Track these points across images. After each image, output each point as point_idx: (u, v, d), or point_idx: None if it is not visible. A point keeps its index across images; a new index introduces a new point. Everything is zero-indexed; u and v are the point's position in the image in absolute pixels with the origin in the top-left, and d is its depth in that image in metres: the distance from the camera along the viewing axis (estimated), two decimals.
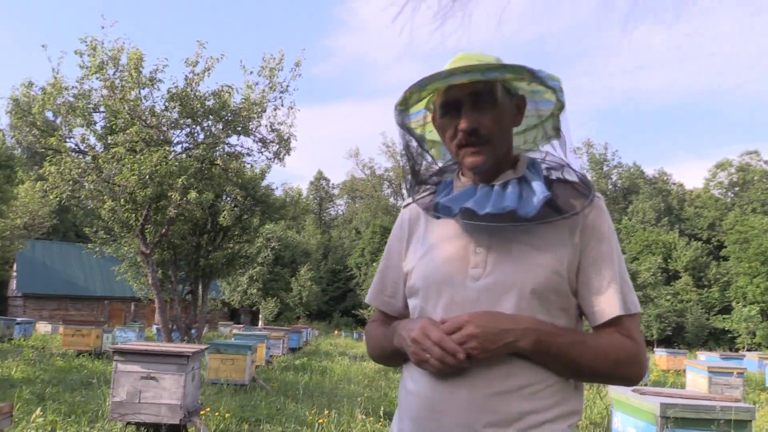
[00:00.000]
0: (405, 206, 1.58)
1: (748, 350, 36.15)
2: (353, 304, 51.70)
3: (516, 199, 1.31)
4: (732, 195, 56.13)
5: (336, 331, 45.22)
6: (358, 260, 54.68)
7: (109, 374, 9.88)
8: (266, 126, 13.22)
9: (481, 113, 1.34)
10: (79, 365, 12.00)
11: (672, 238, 50.22)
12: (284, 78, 12.73)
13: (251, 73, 12.64)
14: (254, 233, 18.62)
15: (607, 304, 1.31)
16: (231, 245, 17.39)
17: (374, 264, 46.04)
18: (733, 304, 43.24)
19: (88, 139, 12.07)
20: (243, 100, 12.59)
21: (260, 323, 39.78)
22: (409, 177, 1.54)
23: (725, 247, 48.33)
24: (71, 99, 11.53)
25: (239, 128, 12.68)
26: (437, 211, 1.39)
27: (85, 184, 11.48)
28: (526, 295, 1.28)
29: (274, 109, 13.03)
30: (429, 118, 1.53)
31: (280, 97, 12.84)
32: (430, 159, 1.57)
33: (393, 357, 1.47)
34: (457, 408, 1.26)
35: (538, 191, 1.31)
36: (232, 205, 16.15)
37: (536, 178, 1.36)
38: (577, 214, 1.32)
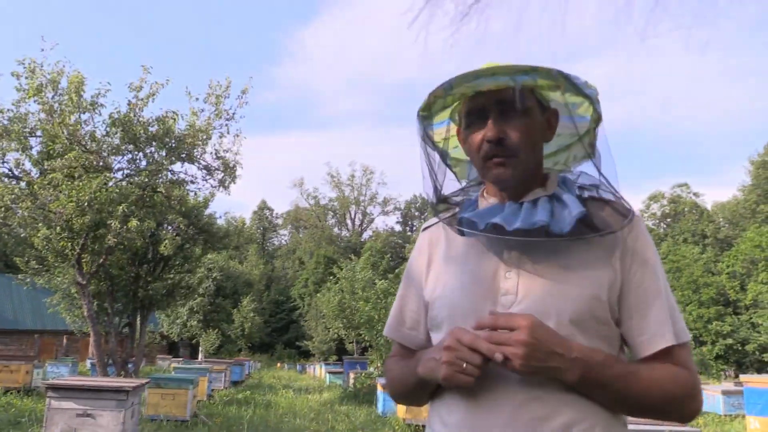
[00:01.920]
0: (424, 229, 1.46)
1: None
2: (296, 335, 50.87)
3: (547, 215, 1.20)
4: (665, 226, 58.39)
5: (279, 364, 44.36)
6: (301, 291, 54.01)
7: (41, 412, 9.35)
8: (211, 153, 12.98)
9: (509, 123, 1.23)
10: (6, 403, 11.31)
11: None
12: (231, 105, 12.55)
13: (197, 99, 12.42)
14: (196, 263, 18.19)
15: (658, 333, 1.19)
16: (172, 275, 16.89)
17: (318, 294, 45.56)
18: None
19: (23, 164, 11.57)
20: (188, 127, 12.34)
21: (200, 356, 38.64)
22: (431, 194, 1.41)
23: None
24: (5, 122, 11.05)
25: (183, 155, 12.39)
26: (461, 226, 1.27)
27: (18, 211, 10.96)
28: (565, 324, 1.15)
29: (220, 137, 12.82)
30: (453, 131, 1.42)
31: (226, 125, 12.66)
32: (451, 175, 1.46)
33: (417, 392, 1.32)
34: None
35: (572, 207, 1.21)
36: (174, 233, 15.72)
37: (569, 196, 1.26)
38: (615, 232, 1.21)
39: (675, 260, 47.00)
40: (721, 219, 55.94)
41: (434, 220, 1.43)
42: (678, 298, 45.07)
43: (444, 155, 1.43)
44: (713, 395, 14.56)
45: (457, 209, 1.38)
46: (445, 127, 1.42)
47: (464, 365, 1.11)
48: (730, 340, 41.55)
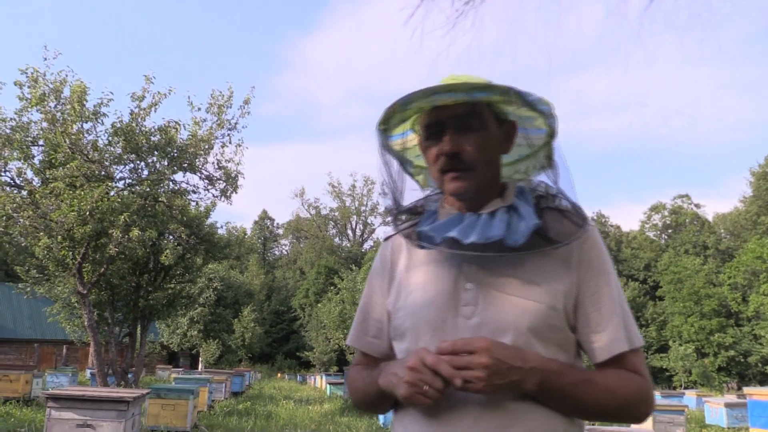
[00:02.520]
0: (386, 239, 1.47)
1: (685, 388, 37.12)
2: (297, 346, 50.71)
3: (504, 228, 1.22)
4: (666, 237, 58.33)
5: (279, 374, 44.19)
6: (302, 301, 53.88)
7: (40, 423, 9.29)
8: (213, 163, 13.01)
9: (465, 137, 1.26)
10: (5, 413, 11.23)
11: None
12: (233, 115, 12.58)
13: (199, 109, 12.46)
14: (197, 273, 18.18)
15: (611, 339, 1.23)
16: (172, 285, 16.89)
17: (318, 305, 45.46)
18: (670, 342, 44.51)
19: (25, 173, 11.59)
20: (190, 137, 12.37)
21: (200, 366, 38.52)
22: (391, 205, 1.43)
23: (661, 287, 49.94)
24: (8, 131, 11.06)
25: (185, 165, 12.41)
26: (420, 240, 1.30)
27: (20, 220, 10.95)
28: (523, 333, 1.19)
29: (222, 146, 12.84)
30: (416, 141, 1.43)
31: (228, 135, 12.68)
32: (413, 184, 1.48)
33: (378, 402, 1.34)
34: None
35: (528, 219, 1.24)
36: (175, 243, 15.73)
37: (525, 207, 1.28)
38: (568, 243, 1.24)
39: (676, 271, 46.92)
40: (722, 230, 55.90)
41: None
42: (679, 310, 44.98)
43: (406, 164, 1.47)
44: (716, 408, 14.46)
45: (417, 220, 1.40)
46: (408, 137, 1.45)
47: (425, 387, 1.13)
48: (732, 352, 41.38)
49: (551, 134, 1.34)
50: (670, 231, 58.16)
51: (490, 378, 1.11)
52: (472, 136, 1.26)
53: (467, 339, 1.15)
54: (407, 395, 1.16)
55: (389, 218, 1.44)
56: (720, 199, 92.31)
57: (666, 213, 58.63)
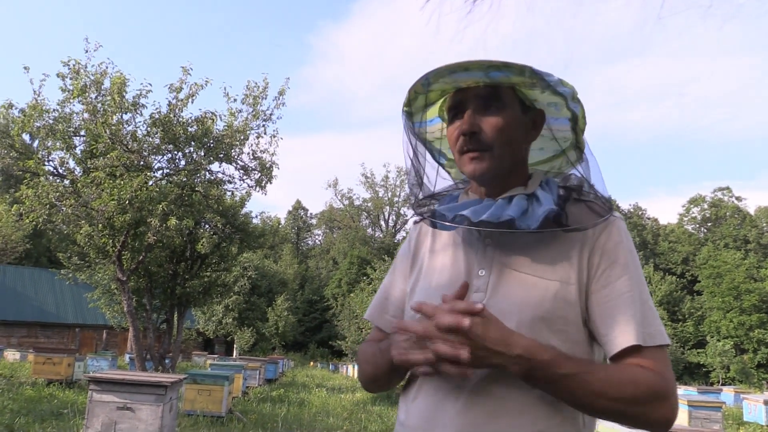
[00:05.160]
0: (415, 222, 1.48)
1: (722, 384, 36.39)
2: (329, 335, 51.10)
3: (519, 211, 1.20)
4: (705, 230, 57.08)
5: (312, 363, 44.64)
6: (335, 291, 54.21)
7: (82, 404, 9.59)
8: (248, 154, 13.16)
9: (485, 117, 1.24)
10: (49, 395, 11.62)
11: (647, 272, 50.80)
12: (268, 106, 12.70)
13: (235, 100, 12.61)
14: (232, 261, 18.41)
15: (621, 332, 1.15)
16: (208, 273, 17.16)
17: (351, 295, 45.66)
18: (708, 338, 43.65)
19: (67, 163, 11.89)
20: (226, 127, 12.53)
21: (235, 353, 39.12)
22: (415, 188, 1.43)
23: (699, 281, 48.94)
24: (51, 122, 11.36)
25: (221, 155, 12.58)
26: (434, 218, 1.30)
27: (63, 208, 11.25)
28: (527, 323, 1.15)
29: (257, 137, 12.98)
30: (446, 131, 1.40)
31: (263, 125, 12.81)
32: (442, 172, 1.47)
33: (386, 376, 1.31)
34: None
35: (544, 204, 1.21)
36: (211, 232, 15.98)
37: (546, 195, 1.25)
38: (580, 229, 1.21)
39: (715, 265, 45.89)
40: (764, 224, 54.40)
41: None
42: (718, 305, 44.01)
43: (439, 155, 1.45)
44: (755, 405, 14.17)
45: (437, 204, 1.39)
46: (438, 125, 1.44)
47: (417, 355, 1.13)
48: None
49: (573, 118, 1.28)
50: (709, 224, 56.88)
51: (474, 351, 1.07)
52: (491, 117, 1.24)
53: (454, 316, 1.08)
54: (397, 358, 1.17)
55: (411, 202, 1.44)
56: (762, 192, 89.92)
57: (705, 206, 57.36)
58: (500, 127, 1.24)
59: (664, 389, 1.11)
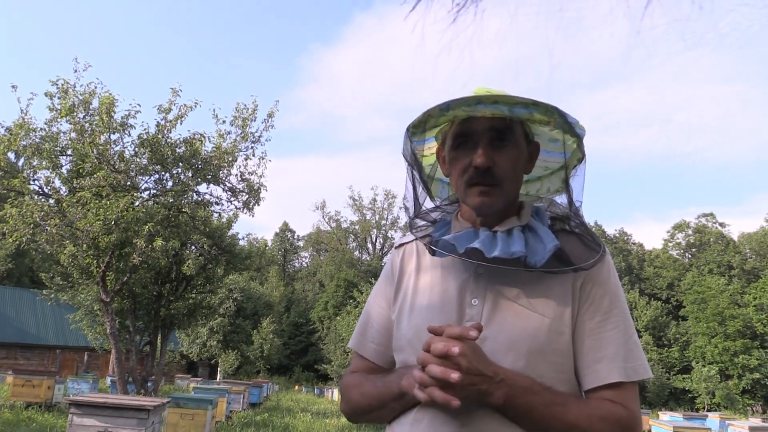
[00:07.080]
0: (397, 246, 1.45)
1: (708, 410, 36.38)
2: (315, 358, 50.68)
3: (523, 246, 1.21)
4: (689, 256, 57.50)
5: (297, 386, 44.19)
6: (321, 314, 53.90)
7: (62, 428, 9.41)
8: (236, 175, 13.14)
9: (498, 152, 1.24)
10: (27, 418, 11.39)
11: (632, 297, 51.00)
12: (257, 128, 12.72)
13: (223, 122, 12.62)
14: (218, 283, 18.28)
15: (605, 366, 1.19)
16: (193, 295, 17.01)
17: (337, 318, 45.44)
18: (693, 363, 43.73)
19: (53, 182, 11.80)
20: (214, 149, 12.52)
21: (219, 377, 38.65)
22: (411, 208, 1.41)
23: (684, 307, 49.15)
24: (38, 140, 11.29)
25: (209, 176, 12.56)
26: (439, 248, 1.27)
27: (47, 227, 11.14)
28: (523, 354, 1.16)
29: (245, 159, 12.98)
30: (434, 150, 1.41)
31: (252, 147, 12.82)
32: (427, 192, 1.45)
33: (385, 408, 1.28)
34: None
35: (547, 240, 1.22)
36: (198, 254, 15.88)
37: (542, 227, 1.26)
38: (587, 269, 1.22)
39: (700, 291, 46.14)
40: (747, 250, 54.91)
41: (408, 237, 1.44)
42: (703, 330, 44.16)
43: (422, 171, 1.44)
44: (741, 431, 14.16)
45: (431, 229, 1.38)
46: (427, 145, 1.43)
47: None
48: (757, 375, 40.47)
49: (581, 159, 1.31)
50: (693, 250, 57.32)
51: (461, 381, 1.08)
52: (505, 152, 1.24)
53: (445, 342, 1.09)
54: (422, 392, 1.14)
55: (408, 224, 1.42)
56: (745, 218, 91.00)
57: (690, 232, 57.83)
58: (513, 163, 1.26)
59: (629, 425, 1.15)
